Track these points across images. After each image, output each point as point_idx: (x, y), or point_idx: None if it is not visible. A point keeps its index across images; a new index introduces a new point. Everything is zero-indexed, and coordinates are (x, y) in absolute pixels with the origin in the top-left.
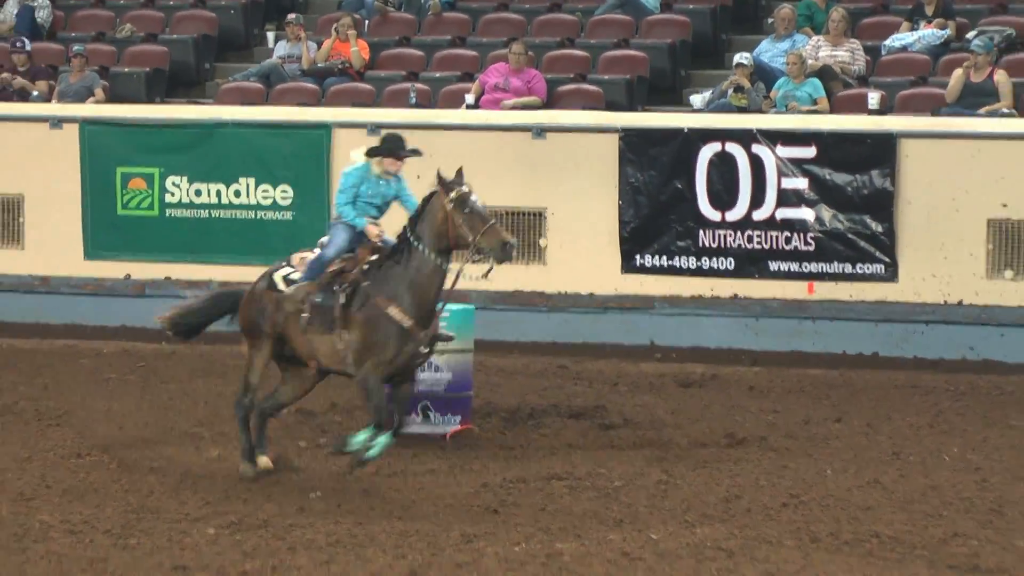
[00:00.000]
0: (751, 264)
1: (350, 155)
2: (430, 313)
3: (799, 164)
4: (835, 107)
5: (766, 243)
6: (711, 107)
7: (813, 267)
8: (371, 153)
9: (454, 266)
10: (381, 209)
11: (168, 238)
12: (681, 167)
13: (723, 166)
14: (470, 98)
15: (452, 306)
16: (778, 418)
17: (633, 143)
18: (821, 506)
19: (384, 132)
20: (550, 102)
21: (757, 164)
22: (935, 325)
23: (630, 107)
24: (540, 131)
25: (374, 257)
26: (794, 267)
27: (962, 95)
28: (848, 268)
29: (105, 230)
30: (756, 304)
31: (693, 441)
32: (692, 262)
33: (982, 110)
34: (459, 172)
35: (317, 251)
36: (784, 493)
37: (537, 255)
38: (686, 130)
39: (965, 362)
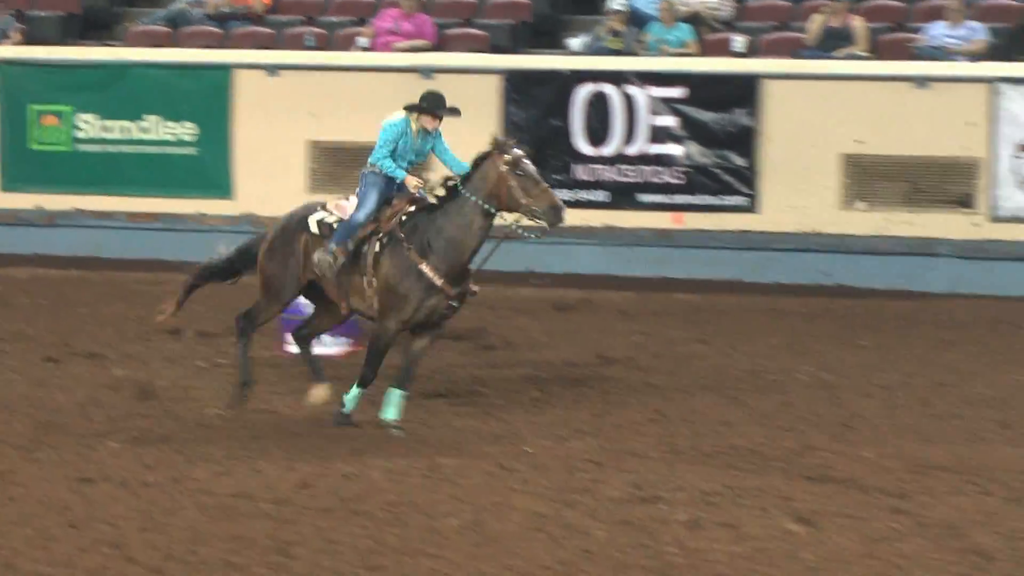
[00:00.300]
0: (623, 196)
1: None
2: (464, 271)
3: (669, 103)
4: (703, 50)
5: (638, 177)
6: (589, 50)
7: (681, 199)
8: (409, 109)
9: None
10: (413, 164)
11: (78, 172)
12: (559, 106)
13: (598, 105)
14: (363, 41)
15: None
16: (646, 339)
17: (515, 84)
18: (684, 421)
19: (426, 90)
20: (439, 45)
21: (630, 103)
22: (792, 253)
23: (513, 50)
24: (428, 72)
25: (412, 208)
26: (663, 199)
27: (821, 39)
28: (713, 200)
29: (19, 164)
30: (627, 233)
31: (567, 361)
32: (568, 194)
33: (839, 53)
34: (508, 136)
35: (352, 200)
36: (650, 409)
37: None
38: (564, 72)
39: (820, 287)
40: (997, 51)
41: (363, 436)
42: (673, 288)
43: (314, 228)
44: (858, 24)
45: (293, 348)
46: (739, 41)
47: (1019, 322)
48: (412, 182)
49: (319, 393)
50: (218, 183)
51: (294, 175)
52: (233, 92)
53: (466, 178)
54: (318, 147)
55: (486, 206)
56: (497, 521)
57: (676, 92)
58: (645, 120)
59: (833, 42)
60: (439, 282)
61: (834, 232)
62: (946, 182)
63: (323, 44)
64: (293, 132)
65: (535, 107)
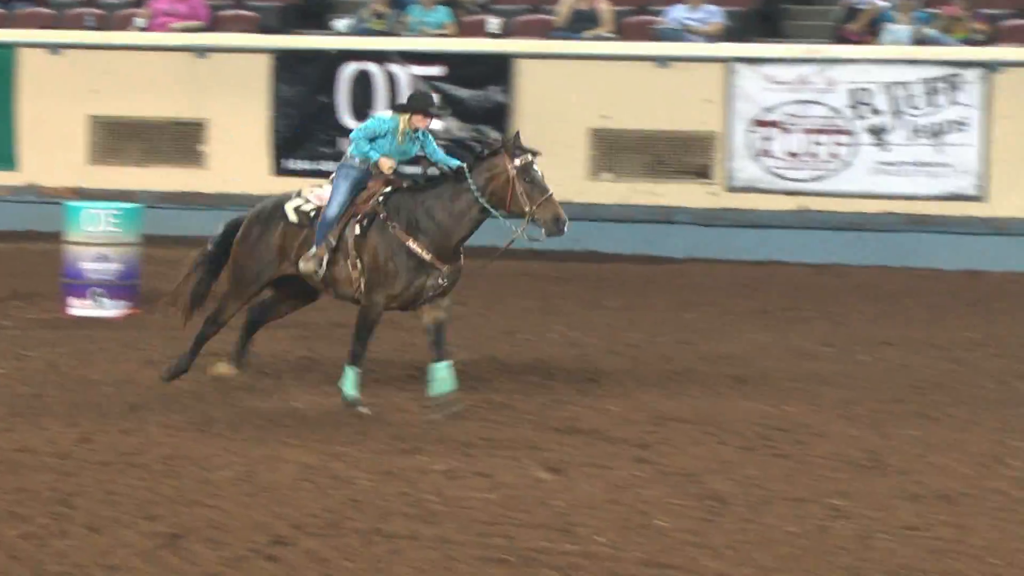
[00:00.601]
0: None
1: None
2: (454, 251)
3: (429, 81)
4: (460, 32)
5: None
6: (353, 31)
7: None
8: (399, 110)
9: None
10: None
11: None
12: (326, 84)
13: (363, 83)
14: (141, 21)
15: (121, 204)
16: None
17: (284, 63)
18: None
19: (414, 89)
20: (211, 25)
21: (393, 81)
22: None
23: (282, 30)
24: (202, 51)
25: (388, 189)
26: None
27: (571, 21)
28: None
29: None
30: None
31: (333, 323)
32: (334, 166)
33: (586, 34)
34: (517, 135)
35: (326, 188)
36: (409, 366)
37: (198, 160)
38: (330, 51)
39: (570, 252)
40: (732, 33)
41: (144, 393)
42: None
43: (292, 216)
44: (604, 7)
45: (77, 310)
46: (493, 23)
47: (754, 285)
48: (386, 163)
49: (223, 370)
50: (3, 155)
51: (75, 148)
52: (17, 69)
53: (476, 167)
54: (98, 122)
55: (476, 207)
56: (268, 472)
57: (435, 70)
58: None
59: (581, 24)
60: (428, 257)
61: (583, 201)
62: (685, 155)
63: (103, 24)
64: (74, 107)
65: (303, 85)
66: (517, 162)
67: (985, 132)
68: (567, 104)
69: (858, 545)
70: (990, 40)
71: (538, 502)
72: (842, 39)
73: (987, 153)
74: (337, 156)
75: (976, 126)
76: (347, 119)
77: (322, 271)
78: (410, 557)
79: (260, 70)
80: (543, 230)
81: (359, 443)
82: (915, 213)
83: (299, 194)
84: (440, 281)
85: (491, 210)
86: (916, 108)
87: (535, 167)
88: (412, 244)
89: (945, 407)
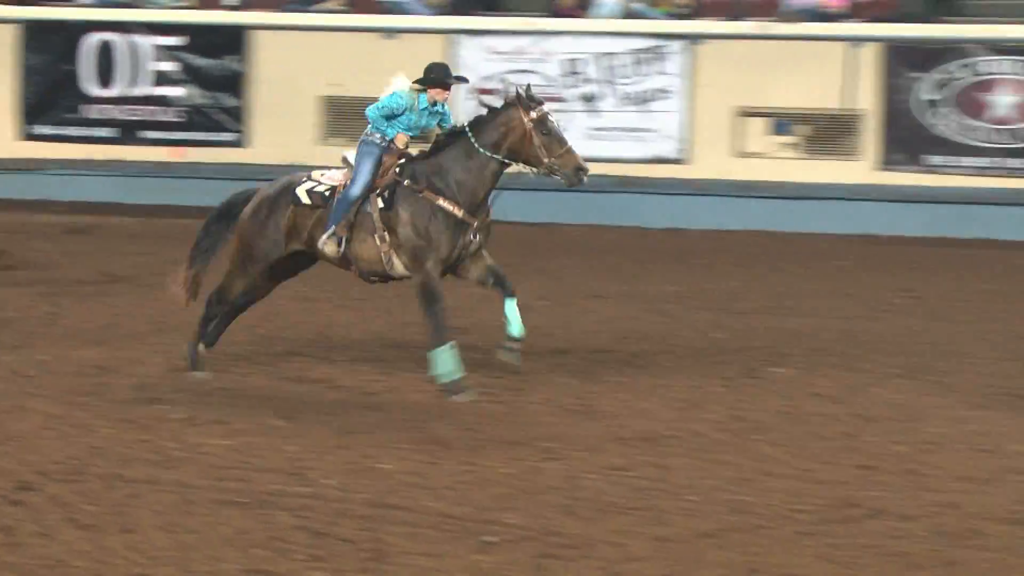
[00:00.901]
0: (129, 133)
1: (391, 81)
2: (481, 205)
3: (170, 51)
4: (200, 4)
5: (142, 115)
6: (98, 2)
7: (180, 135)
8: (419, 83)
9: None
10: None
11: None
12: (70, 53)
13: (106, 52)
14: None
15: None
16: (149, 259)
17: (31, 32)
18: (181, 331)
19: (430, 63)
20: None
21: (136, 50)
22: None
23: (29, 1)
24: None
25: (402, 161)
26: (164, 135)
27: None
28: (208, 136)
29: None
30: (133, 165)
31: (78, 279)
32: (79, 131)
33: (317, 7)
34: (529, 87)
35: (334, 171)
36: (154, 321)
37: None
38: (75, 21)
39: None
40: (456, 6)
41: None
42: (174, 214)
43: (304, 198)
44: None
45: None
46: None
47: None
48: (401, 139)
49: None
50: None
51: None
52: None
53: (477, 125)
54: None
55: (494, 162)
56: (14, 422)
57: (175, 41)
58: (148, 65)
59: None
60: (461, 214)
61: (312, 164)
62: None
63: None
64: None
65: (48, 53)
66: (533, 115)
67: (687, 100)
68: (298, 73)
69: (568, 484)
70: (693, 14)
71: (272, 447)
72: (556, 13)
73: (689, 119)
74: (83, 122)
75: (679, 94)
76: (91, 87)
77: (342, 249)
78: (150, 500)
79: (7, 39)
80: (563, 180)
81: (100, 393)
82: (623, 175)
83: (309, 177)
84: (475, 237)
85: (504, 165)
86: (624, 77)
87: (551, 118)
88: (443, 203)
89: (650, 356)
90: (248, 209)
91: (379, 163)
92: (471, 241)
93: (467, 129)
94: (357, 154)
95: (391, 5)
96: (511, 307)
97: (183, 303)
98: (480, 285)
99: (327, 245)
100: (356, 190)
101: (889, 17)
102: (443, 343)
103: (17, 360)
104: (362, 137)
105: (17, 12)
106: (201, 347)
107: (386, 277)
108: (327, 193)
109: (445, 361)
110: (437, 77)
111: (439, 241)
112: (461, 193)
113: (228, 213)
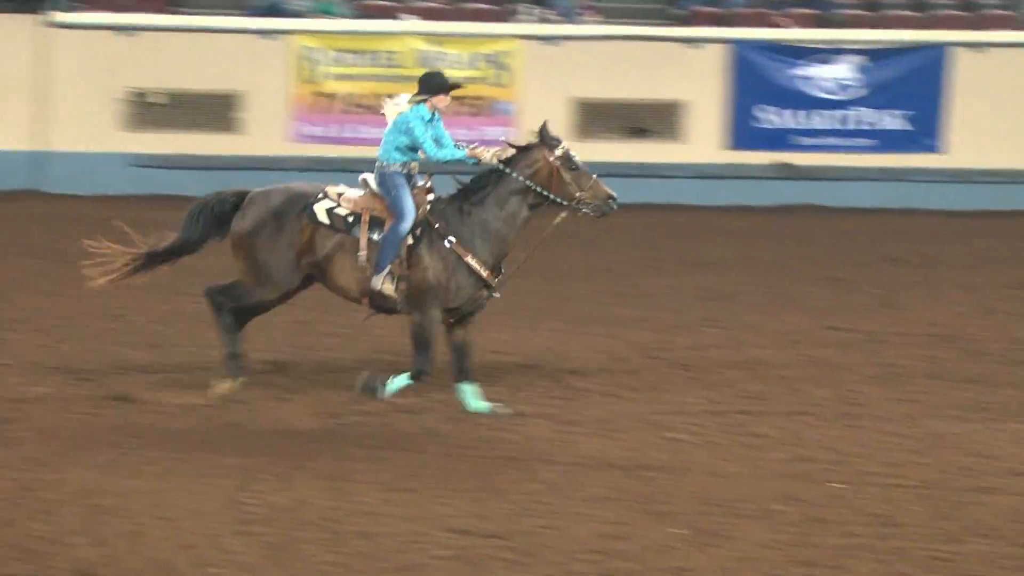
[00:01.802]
0: None
1: (391, 101)
2: (502, 260)
3: None
4: None
5: None
6: None
7: None
8: (427, 92)
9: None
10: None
11: None
12: None
13: None
14: None
15: None
16: None
17: None
18: None
19: (424, 72)
20: None
21: None
22: None
23: None
24: None
25: (431, 197)
26: None
27: None
28: None
29: None
30: None
31: None
32: None
33: None
34: (545, 125)
35: (357, 192)
36: None
37: None
38: None
39: None
40: None
41: None
42: None
43: (324, 218)
44: None
45: None
46: None
47: None
48: (487, 154)
49: (226, 387)
50: None
51: None
52: None
53: (510, 166)
54: None
55: (525, 205)
56: None
57: None
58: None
59: None
60: (486, 274)
61: None
62: None
63: None
64: None
65: None
66: (558, 152)
67: None
68: None
69: None
70: None
71: None
72: None
73: None
74: None
75: None
76: None
77: (397, 292)
78: None
79: None
80: (590, 211)
81: None
82: None
83: (325, 195)
84: (491, 295)
85: (534, 207)
86: None
87: (573, 153)
88: (471, 261)
89: None
90: (249, 223)
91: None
92: (482, 300)
93: (503, 174)
94: (385, 185)
95: None
96: (466, 390)
97: (97, 285)
98: (450, 349)
99: (384, 284)
100: (406, 225)
101: None
102: (416, 377)
103: None
104: (382, 169)
105: None
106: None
107: (389, 311)
108: (350, 219)
109: (400, 386)
110: (440, 84)
111: (455, 294)
112: (495, 247)
113: (213, 217)
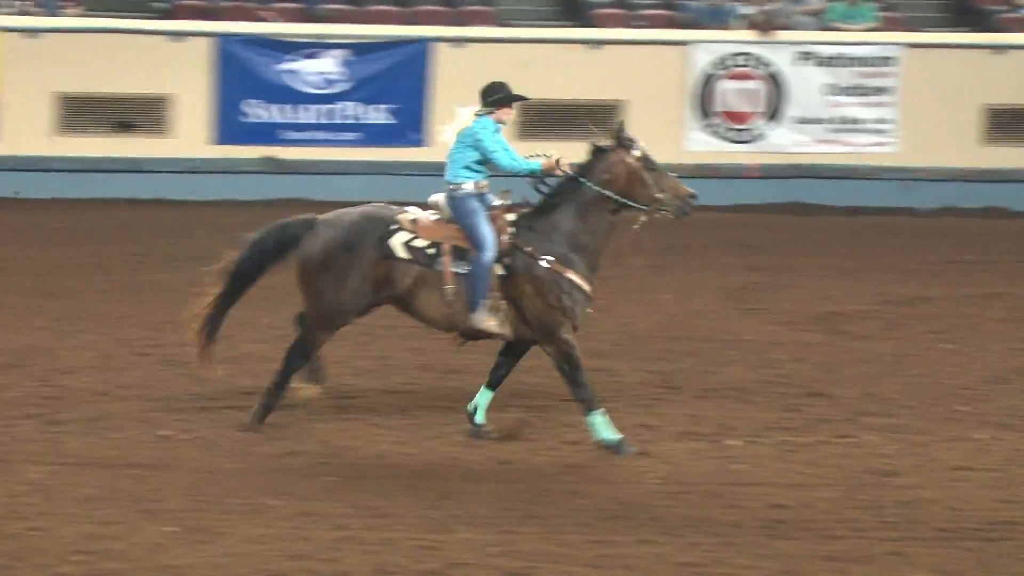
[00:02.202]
0: None
1: (459, 114)
2: (595, 272)
3: None
4: None
5: None
6: None
7: None
8: (495, 103)
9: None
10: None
11: None
12: None
13: None
14: None
15: None
16: None
17: None
18: None
19: (489, 82)
20: None
21: None
22: None
23: None
24: None
25: (511, 216)
26: None
27: None
28: None
29: None
30: None
31: None
32: None
33: None
34: (622, 126)
35: (430, 216)
36: None
37: None
38: None
39: None
40: None
41: None
42: None
43: (402, 253)
44: None
45: None
46: None
47: None
48: (550, 163)
49: (309, 392)
50: None
51: None
52: None
53: (586, 174)
54: None
55: (607, 212)
56: None
57: None
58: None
59: None
60: (589, 289)
61: None
62: None
63: None
64: None
65: None
66: (636, 153)
67: None
68: None
69: None
70: None
71: None
72: None
73: None
74: None
75: None
76: None
77: (505, 325)
78: None
79: None
80: (671, 213)
81: None
82: None
83: (397, 225)
84: (590, 309)
85: (616, 212)
86: None
87: (650, 153)
88: (574, 276)
89: None
90: (317, 255)
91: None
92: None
93: (576, 184)
94: (459, 212)
95: None
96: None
97: (197, 356)
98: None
99: (487, 322)
100: (490, 255)
101: None
102: (595, 408)
103: None
104: (453, 192)
105: None
106: (311, 389)
107: (481, 336)
108: (430, 251)
109: (603, 426)
110: (506, 96)
111: (572, 312)
112: (588, 261)
113: (281, 246)
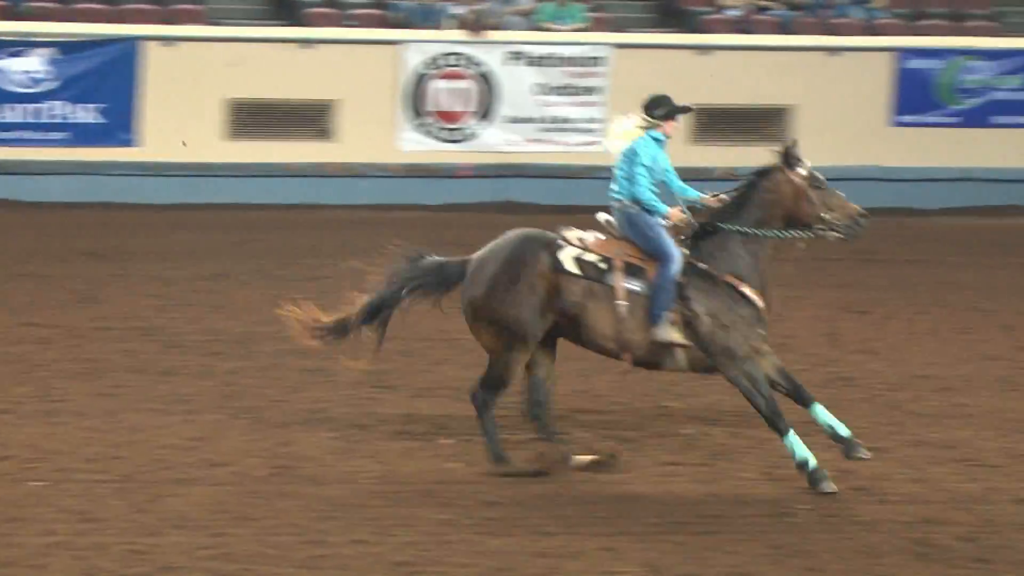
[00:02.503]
0: None
1: (614, 129)
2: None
3: None
4: None
5: None
6: None
7: None
8: (662, 117)
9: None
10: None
11: None
12: None
13: None
14: None
15: None
16: None
17: None
18: None
19: (652, 95)
20: None
21: None
22: None
23: None
24: None
25: (679, 236)
26: None
27: None
28: None
29: None
30: None
31: None
32: None
33: None
34: (795, 144)
35: (596, 235)
36: None
37: None
38: None
39: None
40: None
41: None
42: None
43: (573, 267)
44: None
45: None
46: None
47: None
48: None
49: (584, 459)
50: None
51: None
52: None
53: (749, 195)
54: None
55: (781, 231)
56: None
57: None
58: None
59: None
60: (762, 305)
61: None
62: None
63: None
64: None
65: None
66: (802, 171)
67: None
68: None
69: None
70: None
71: None
72: None
73: None
74: None
75: None
76: None
77: (684, 337)
78: None
79: None
80: (840, 233)
81: None
82: None
83: (565, 241)
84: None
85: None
86: None
87: (816, 171)
88: (748, 290)
89: None
90: (481, 287)
91: None
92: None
93: (747, 203)
94: (636, 228)
95: None
96: (821, 413)
97: (307, 341)
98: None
99: (669, 333)
100: (676, 267)
101: None
102: (787, 430)
103: None
104: (625, 209)
105: None
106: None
107: (657, 366)
108: (602, 265)
109: (798, 446)
110: (671, 109)
111: (747, 331)
112: (756, 278)
113: (438, 286)
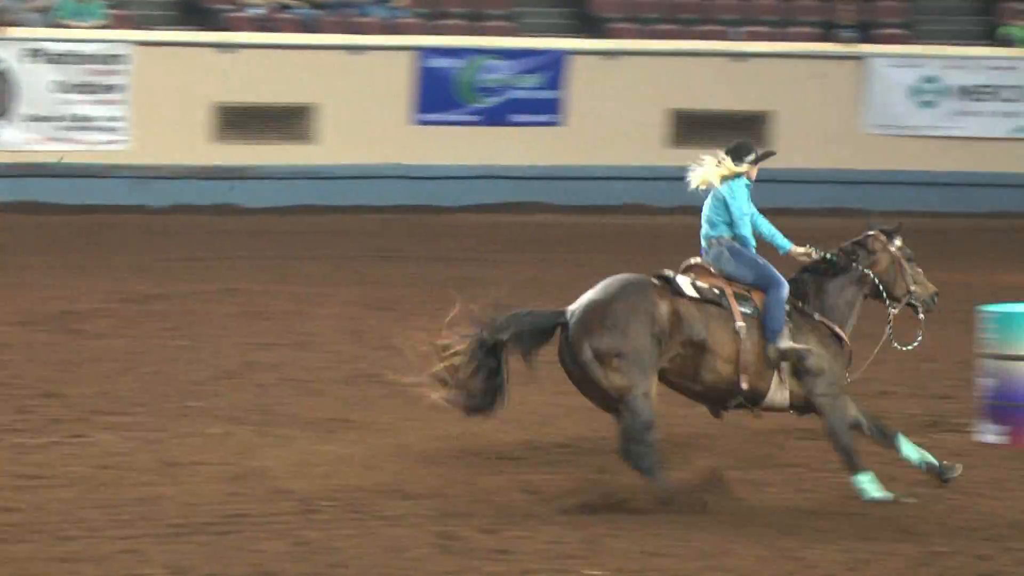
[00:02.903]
0: None
1: (696, 175)
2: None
3: None
4: None
5: None
6: None
7: None
8: (753, 163)
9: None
10: None
11: None
12: None
13: None
14: None
15: None
16: None
17: None
18: None
19: (736, 141)
20: None
21: None
22: None
23: None
24: None
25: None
26: None
27: None
28: None
29: None
30: None
31: None
32: None
33: None
34: (900, 226)
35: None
36: None
37: None
38: None
39: None
40: None
41: None
42: None
43: (691, 291)
44: None
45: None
46: None
47: None
48: (799, 251)
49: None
50: None
51: None
52: None
53: (854, 255)
54: None
55: (861, 296)
56: None
57: None
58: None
59: None
60: (849, 346)
61: None
62: None
63: None
64: None
65: None
66: (897, 242)
67: None
68: None
69: None
70: None
71: None
72: None
73: None
74: None
75: None
76: None
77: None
78: None
79: None
80: (920, 308)
81: None
82: None
83: (672, 273)
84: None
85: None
86: None
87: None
88: (843, 333)
89: None
90: (597, 338)
91: None
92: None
93: (856, 262)
94: (739, 260)
95: None
96: (905, 446)
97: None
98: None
99: (790, 344)
100: (785, 288)
101: None
102: (864, 470)
103: None
104: (722, 245)
105: None
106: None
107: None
108: (716, 291)
109: (873, 482)
110: (761, 155)
111: (841, 374)
112: (846, 324)
113: (533, 337)
